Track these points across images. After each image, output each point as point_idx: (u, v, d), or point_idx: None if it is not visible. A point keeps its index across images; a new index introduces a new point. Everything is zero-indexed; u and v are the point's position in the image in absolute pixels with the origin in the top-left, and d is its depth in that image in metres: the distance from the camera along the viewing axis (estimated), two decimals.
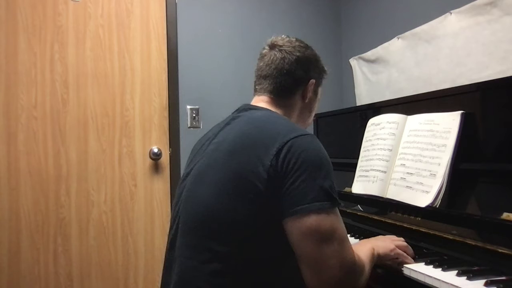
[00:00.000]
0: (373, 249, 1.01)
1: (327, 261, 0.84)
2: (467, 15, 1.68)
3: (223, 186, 0.90)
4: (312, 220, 0.84)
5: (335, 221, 0.87)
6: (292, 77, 1.09)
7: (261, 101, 1.10)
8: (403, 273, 1.03)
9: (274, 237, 0.89)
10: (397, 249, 1.06)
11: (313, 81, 1.12)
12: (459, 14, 1.72)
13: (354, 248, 0.92)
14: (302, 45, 1.13)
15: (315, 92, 1.17)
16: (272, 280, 0.92)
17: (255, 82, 1.14)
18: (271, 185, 0.86)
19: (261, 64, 1.12)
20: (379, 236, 1.16)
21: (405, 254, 1.06)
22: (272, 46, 1.12)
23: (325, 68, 1.20)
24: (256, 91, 1.13)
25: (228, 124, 1.04)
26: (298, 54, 1.10)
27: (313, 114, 1.20)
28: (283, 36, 1.15)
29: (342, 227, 0.88)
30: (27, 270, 2.05)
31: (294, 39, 1.14)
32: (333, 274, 0.84)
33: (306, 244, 0.85)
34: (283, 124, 0.96)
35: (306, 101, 1.13)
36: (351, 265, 0.87)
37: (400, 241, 1.10)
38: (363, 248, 1.00)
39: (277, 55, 1.10)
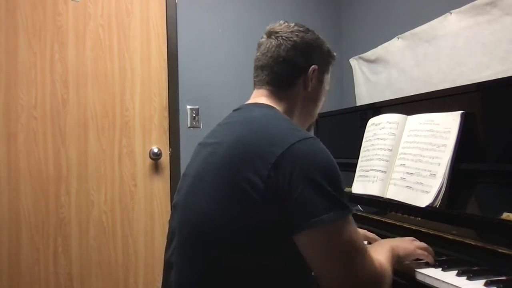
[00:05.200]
0: (393, 249, 0.97)
1: (350, 275, 0.79)
2: (467, 15, 1.68)
3: (217, 194, 0.85)
4: (325, 234, 0.79)
5: (351, 231, 0.81)
6: (291, 64, 1.01)
7: (260, 95, 1.03)
8: (402, 273, 1.02)
9: (272, 248, 0.84)
10: (417, 250, 1.02)
11: (314, 67, 1.02)
12: (459, 14, 1.71)
13: (373, 250, 0.88)
14: (301, 29, 1.03)
15: (320, 80, 1.06)
16: None
17: (253, 74, 1.07)
18: (271, 196, 0.80)
19: (258, 54, 1.05)
20: (396, 238, 1.11)
21: (426, 254, 1.02)
22: (269, 34, 1.04)
23: (332, 53, 1.10)
24: (255, 84, 1.06)
25: (226, 124, 0.99)
26: (295, 39, 1.01)
27: (320, 105, 1.10)
28: (281, 22, 1.05)
29: (358, 236, 0.83)
30: (27, 270, 2.05)
31: (292, 24, 1.04)
32: (359, 286, 0.80)
33: (324, 260, 0.80)
34: (282, 126, 0.90)
35: (309, 90, 1.03)
36: (375, 275, 0.82)
37: (419, 243, 1.07)
38: (383, 249, 0.95)
39: (273, 42, 1.01)
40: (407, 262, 1.02)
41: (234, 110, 1.04)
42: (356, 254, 0.80)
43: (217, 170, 0.88)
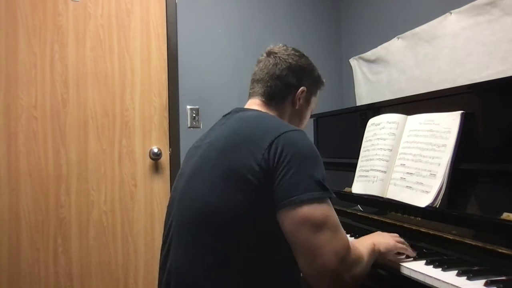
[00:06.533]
0: (374, 244, 1.01)
1: (320, 248, 0.85)
2: (467, 15, 1.68)
3: (217, 181, 0.92)
4: (304, 210, 0.86)
5: (327, 210, 0.89)
6: (283, 82, 1.13)
7: (253, 104, 1.14)
8: (403, 273, 1.03)
9: (270, 230, 0.91)
10: (397, 244, 1.06)
11: (303, 89, 1.15)
12: (459, 14, 1.72)
13: (353, 242, 0.93)
14: (297, 53, 1.17)
15: (307, 101, 1.19)
16: (267, 273, 0.93)
17: (249, 86, 1.19)
18: (264, 178, 0.88)
19: (256, 69, 1.18)
20: (377, 232, 1.16)
21: (405, 247, 1.07)
22: (269, 53, 1.17)
23: (322, 79, 1.24)
24: (249, 95, 1.18)
25: (221, 125, 1.08)
26: (290, 61, 1.14)
27: (304, 122, 1.23)
28: (280, 45, 1.19)
29: (334, 216, 0.90)
30: (27, 270, 2.05)
31: (290, 48, 1.18)
32: (327, 261, 0.85)
33: (300, 233, 0.87)
34: (273, 121, 1.01)
35: (297, 107, 1.16)
36: (345, 253, 0.88)
37: (398, 237, 1.11)
38: (363, 242, 1.01)
39: (271, 61, 1.14)
40: (389, 258, 1.05)
41: (225, 115, 1.13)
42: (327, 230, 0.87)
43: (215, 161, 0.95)
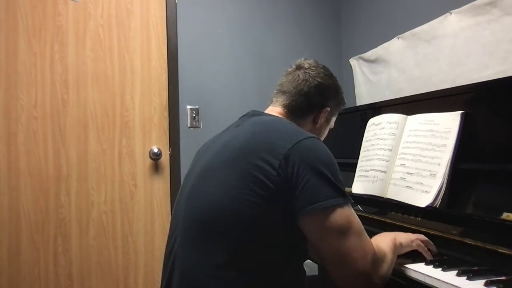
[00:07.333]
0: (395, 238, 1.03)
1: (348, 254, 0.87)
2: (467, 15, 1.68)
3: (231, 182, 0.92)
4: (328, 217, 0.87)
5: (349, 215, 0.90)
6: (308, 100, 1.14)
7: (274, 111, 1.14)
8: (403, 273, 1.03)
9: (280, 233, 0.92)
10: (418, 240, 1.07)
11: (327, 109, 1.17)
12: (459, 14, 1.71)
13: (375, 239, 0.96)
14: (326, 73, 1.18)
15: (327, 120, 1.21)
16: (275, 274, 0.93)
17: (273, 94, 1.19)
18: (281, 183, 0.89)
19: (284, 80, 1.18)
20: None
21: (425, 248, 1.07)
22: (299, 67, 1.18)
23: (344, 101, 1.26)
24: (271, 103, 1.18)
25: (237, 126, 1.08)
26: (320, 80, 1.15)
27: (321, 139, 1.23)
28: (311, 60, 1.20)
29: (357, 220, 0.91)
30: (27, 270, 2.05)
31: (320, 66, 1.19)
32: (356, 265, 0.87)
33: (326, 240, 0.89)
34: (291, 127, 1.01)
35: (317, 126, 1.17)
36: (372, 255, 0.89)
37: (423, 237, 1.11)
38: (384, 238, 1.02)
39: (301, 76, 1.15)
40: (408, 249, 1.06)
41: (243, 116, 1.13)
42: (352, 236, 0.88)
43: (231, 162, 0.95)
